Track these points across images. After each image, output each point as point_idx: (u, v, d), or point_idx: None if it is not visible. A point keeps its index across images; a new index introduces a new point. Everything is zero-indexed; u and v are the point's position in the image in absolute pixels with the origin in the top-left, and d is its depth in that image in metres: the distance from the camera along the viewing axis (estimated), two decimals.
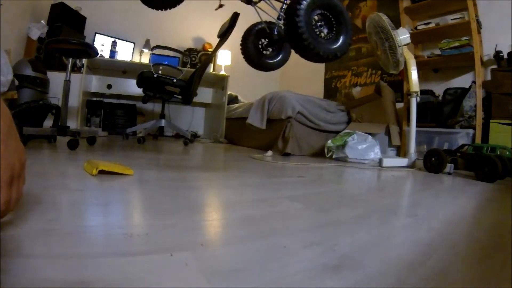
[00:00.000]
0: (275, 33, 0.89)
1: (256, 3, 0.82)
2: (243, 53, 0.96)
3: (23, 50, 2.73)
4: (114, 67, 3.36)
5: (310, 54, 0.67)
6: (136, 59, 3.62)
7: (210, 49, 3.90)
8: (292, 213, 0.67)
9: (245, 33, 0.89)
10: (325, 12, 0.70)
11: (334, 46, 0.69)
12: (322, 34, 0.70)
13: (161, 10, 0.84)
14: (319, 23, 0.70)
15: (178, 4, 0.67)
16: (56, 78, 2.64)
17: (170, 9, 0.77)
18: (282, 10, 0.80)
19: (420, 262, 0.43)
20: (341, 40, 0.70)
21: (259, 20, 0.82)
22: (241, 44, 0.95)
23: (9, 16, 2.34)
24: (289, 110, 2.33)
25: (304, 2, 0.64)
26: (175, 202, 0.69)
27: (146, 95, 2.54)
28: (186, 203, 0.70)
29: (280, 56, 0.97)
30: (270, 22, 0.89)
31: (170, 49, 2.64)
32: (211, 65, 3.83)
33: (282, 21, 0.78)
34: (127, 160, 1.42)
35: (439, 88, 2.50)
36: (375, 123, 2.58)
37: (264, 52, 0.95)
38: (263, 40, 0.95)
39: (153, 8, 0.79)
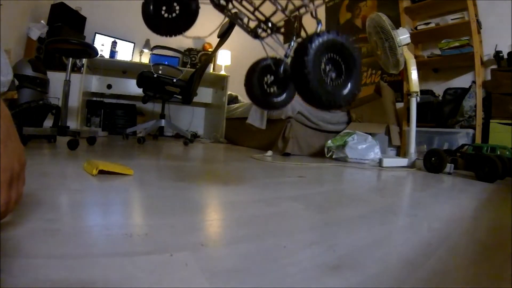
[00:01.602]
0: (281, 70, 0.83)
1: (263, 38, 0.78)
2: (247, 90, 0.92)
3: (23, 50, 2.73)
4: (114, 67, 3.36)
5: (311, 98, 0.62)
6: (136, 59, 3.62)
7: (210, 49, 3.90)
8: (292, 213, 0.67)
9: (250, 69, 0.85)
10: (337, 57, 0.66)
11: (339, 95, 0.64)
12: (328, 79, 0.65)
13: (168, 36, 0.80)
14: (327, 67, 0.66)
15: (185, 31, 0.64)
16: (56, 78, 2.64)
17: (176, 35, 0.73)
18: (290, 47, 0.76)
19: (420, 262, 0.43)
20: (348, 89, 0.65)
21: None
22: (245, 81, 0.91)
23: (9, 16, 2.34)
24: (289, 110, 2.33)
25: (317, 42, 0.60)
26: (175, 202, 0.69)
27: (146, 95, 2.54)
28: (186, 203, 0.70)
29: (285, 95, 0.93)
30: (276, 59, 0.84)
31: (170, 49, 2.64)
32: (211, 65, 3.83)
33: (289, 59, 0.73)
34: (127, 160, 1.42)
35: (439, 88, 2.50)
36: (375, 123, 2.58)
37: (269, 90, 0.90)
38: (268, 77, 0.90)
39: (160, 35, 0.75)
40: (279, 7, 0.71)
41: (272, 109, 0.94)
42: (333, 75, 0.65)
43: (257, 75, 0.87)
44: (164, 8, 0.72)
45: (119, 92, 3.42)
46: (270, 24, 0.75)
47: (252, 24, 0.79)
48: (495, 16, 2.24)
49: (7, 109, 0.34)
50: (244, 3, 0.72)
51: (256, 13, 0.73)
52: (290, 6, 0.74)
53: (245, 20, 0.71)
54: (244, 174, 1.22)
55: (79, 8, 3.18)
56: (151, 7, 0.87)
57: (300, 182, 1.09)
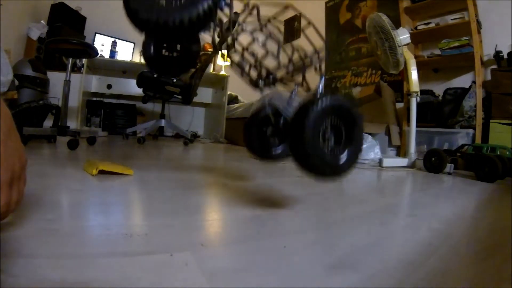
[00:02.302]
0: (281, 122, 0.78)
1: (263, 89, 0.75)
2: (246, 143, 0.89)
3: (23, 50, 2.73)
4: (114, 67, 3.36)
5: (304, 161, 0.57)
6: (136, 59, 3.61)
7: (210, 49, 3.89)
8: (292, 213, 0.67)
9: (249, 120, 0.81)
10: (339, 123, 0.58)
11: (334, 164, 0.58)
12: (326, 145, 0.59)
13: (170, 77, 0.78)
14: (327, 132, 0.59)
15: (183, 73, 0.60)
16: (56, 78, 2.64)
17: (176, 77, 0.69)
18: (291, 99, 0.71)
19: (420, 262, 0.43)
20: (344, 159, 0.57)
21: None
22: (244, 133, 0.87)
23: (9, 16, 2.34)
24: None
25: (320, 105, 0.53)
26: (175, 202, 0.69)
27: (146, 95, 2.54)
28: (186, 203, 0.70)
29: (285, 146, 0.89)
30: (275, 108, 0.79)
31: None
32: (211, 65, 3.83)
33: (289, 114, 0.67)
34: (127, 160, 1.42)
35: (439, 88, 2.50)
36: (375, 123, 2.58)
37: (268, 140, 0.86)
38: (267, 128, 0.85)
39: (160, 75, 0.72)
40: (281, 62, 0.68)
41: (273, 161, 0.90)
42: (332, 141, 0.59)
43: (256, 128, 0.83)
44: (165, 46, 0.71)
45: (119, 92, 3.42)
46: (271, 78, 0.72)
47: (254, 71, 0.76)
48: (495, 16, 2.24)
49: (8, 109, 0.34)
50: (246, 54, 0.69)
51: (258, 63, 0.70)
52: (295, 56, 0.72)
53: (247, 68, 0.68)
54: (244, 174, 1.22)
55: (79, 8, 3.18)
56: (152, 49, 0.86)
57: (300, 182, 1.09)
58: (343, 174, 0.59)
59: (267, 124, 0.81)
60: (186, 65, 0.65)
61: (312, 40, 0.71)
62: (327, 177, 0.60)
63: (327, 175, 0.58)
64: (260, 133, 0.83)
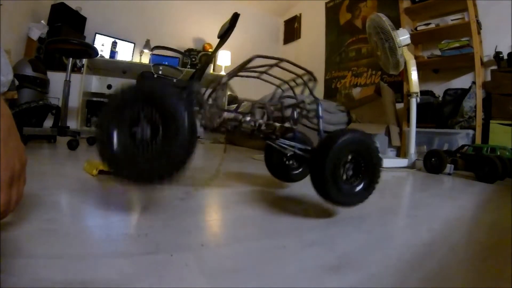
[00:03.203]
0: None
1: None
2: (267, 165, 0.92)
3: (23, 50, 2.73)
4: (114, 67, 3.36)
5: (322, 190, 0.60)
6: (136, 59, 3.61)
7: (210, 50, 3.90)
8: (292, 213, 0.67)
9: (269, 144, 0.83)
10: (359, 159, 0.60)
11: (349, 194, 0.59)
12: (344, 176, 0.62)
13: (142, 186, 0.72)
14: (347, 165, 0.60)
15: (160, 183, 0.53)
16: (56, 78, 2.64)
17: (149, 185, 0.59)
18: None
19: (420, 262, 0.43)
20: (358, 189, 0.60)
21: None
22: (265, 155, 0.90)
23: (9, 16, 2.34)
24: (289, 110, 2.33)
25: (346, 139, 0.55)
26: (175, 202, 0.69)
27: None
28: (186, 203, 0.70)
29: (302, 168, 0.92)
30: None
31: (170, 50, 2.64)
32: (211, 66, 3.83)
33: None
34: None
35: (439, 89, 2.50)
36: (375, 124, 2.58)
37: (288, 162, 0.89)
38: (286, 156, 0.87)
39: (136, 184, 0.65)
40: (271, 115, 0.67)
41: (292, 181, 0.93)
42: (350, 173, 0.61)
43: (276, 153, 0.85)
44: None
45: None
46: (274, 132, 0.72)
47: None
48: (495, 17, 2.24)
49: (8, 108, 0.34)
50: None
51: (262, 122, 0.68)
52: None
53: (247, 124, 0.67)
54: (244, 175, 1.22)
55: (79, 8, 3.18)
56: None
57: (300, 182, 1.09)
58: (353, 205, 0.62)
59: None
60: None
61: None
62: (343, 205, 0.61)
63: (343, 204, 0.60)
64: (279, 156, 0.85)
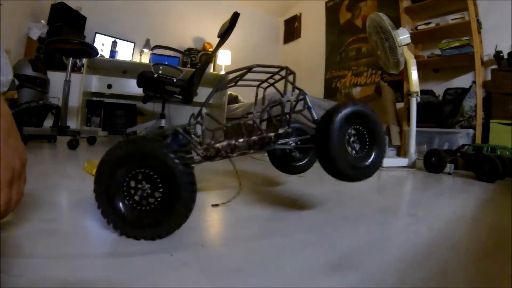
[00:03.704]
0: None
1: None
2: (270, 158, 0.91)
3: (23, 50, 2.73)
4: (114, 67, 3.36)
5: (332, 168, 0.59)
6: (136, 59, 3.61)
7: (210, 49, 3.89)
8: (292, 213, 0.67)
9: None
10: (361, 128, 0.60)
11: (362, 165, 0.59)
12: (353, 151, 0.61)
13: None
14: (352, 139, 0.59)
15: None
16: (56, 78, 2.64)
17: None
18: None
19: (420, 262, 0.43)
20: (367, 161, 0.59)
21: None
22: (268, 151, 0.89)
23: (9, 16, 2.34)
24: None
25: (344, 112, 0.56)
26: None
27: (146, 95, 2.54)
28: None
29: (307, 159, 0.91)
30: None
31: (170, 49, 2.64)
32: (211, 65, 3.83)
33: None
34: None
35: (439, 88, 2.50)
36: None
37: (291, 154, 0.88)
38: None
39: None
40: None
41: (295, 173, 0.93)
42: (357, 146, 0.61)
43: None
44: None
45: (119, 92, 3.42)
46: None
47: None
48: (495, 16, 2.24)
49: (8, 108, 0.34)
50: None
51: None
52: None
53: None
54: (244, 174, 1.22)
55: (79, 8, 3.18)
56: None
57: (300, 182, 1.09)
58: (367, 176, 0.61)
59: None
60: None
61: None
62: (354, 180, 0.60)
63: (355, 178, 0.59)
64: (282, 150, 0.85)
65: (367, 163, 0.60)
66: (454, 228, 0.65)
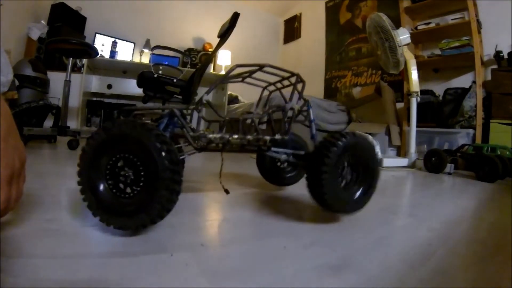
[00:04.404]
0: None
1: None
2: (260, 169, 0.90)
3: (23, 50, 2.73)
4: (114, 67, 3.36)
5: (320, 200, 0.58)
6: (136, 59, 3.61)
7: (210, 49, 3.89)
8: (292, 214, 0.67)
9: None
10: (356, 160, 0.59)
11: (348, 202, 0.57)
12: (344, 181, 0.57)
13: None
14: (345, 169, 0.58)
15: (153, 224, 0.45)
16: (56, 78, 2.64)
17: None
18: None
19: (420, 262, 0.43)
20: (357, 195, 0.58)
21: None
22: (257, 160, 0.88)
23: (9, 16, 2.34)
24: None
25: (341, 145, 0.53)
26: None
27: (146, 95, 2.54)
28: (186, 204, 0.70)
29: (295, 172, 0.90)
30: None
31: (170, 49, 2.64)
32: (211, 65, 3.83)
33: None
34: None
35: (439, 88, 2.50)
36: (375, 123, 2.58)
37: (281, 166, 0.88)
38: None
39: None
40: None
41: (282, 185, 0.91)
42: (349, 177, 0.59)
43: (268, 158, 0.83)
44: None
45: (119, 92, 3.42)
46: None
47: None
48: (495, 16, 2.24)
49: (8, 107, 0.34)
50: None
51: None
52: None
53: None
54: (244, 174, 1.22)
55: (79, 8, 3.18)
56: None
57: (300, 182, 1.09)
58: (352, 211, 0.59)
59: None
60: None
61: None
62: (342, 213, 0.59)
63: (342, 211, 0.58)
64: (272, 161, 0.84)
65: (357, 197, 0.59)
66: (454, 228, 0.65)
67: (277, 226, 0.57)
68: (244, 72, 0.64)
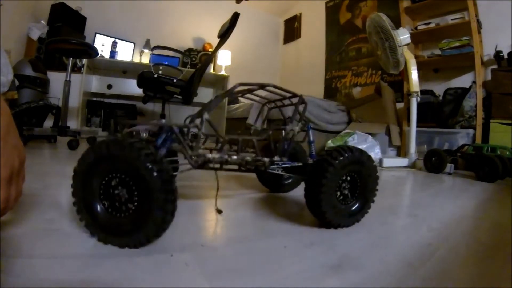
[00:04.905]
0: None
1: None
2: (257, 175, 0.90)
3: (23, 50, 2.73)
4: (114, 67, 3.36)
5: (320, 216, 0.58)
6: (136, 59, 3.61)
7: (210, 49, 3.90)
8: (292, 213, 0.67)
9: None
10: (354, 175, 0.59)
11: (345, 215, 0.58)
12: (341, 196, 0.58)
13: None
14: (343, 184, 0.58)
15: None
16: (56, 78, 2.64)
17: None
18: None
19: (420, 262, 0.43)
20: (354, 209, 0.59)
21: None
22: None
23: (9, 16, 2.34)
24: (289, 110, 2.33)
25: (340, 160, 0.54)
26: None
27: (146, 95, 2.54)
28: (186, 204, 0.70)
29: (292, 179, 0.90)
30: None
31: (170, 49, 2.64)
32: (211, 65, 3.83)
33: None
34: None
35: (439, 88, 2.50)
36: (375, 123, 2.58)
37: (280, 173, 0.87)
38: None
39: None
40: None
41: (279, 192, 0.91)
42: (346, 192, 0.59)
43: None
44: None
45: (119, 92, 3.42)
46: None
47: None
48: (495, 16, 2.24)
49: (7, 106, 0.34)
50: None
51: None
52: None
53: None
54: (244, 175, 1.22)
55: (79, 8, 3.18)
56: None
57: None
58: (353, 223, 0.60)
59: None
60: None
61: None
62: (338, 227, 0.59)
63: (339, 225, 0.58)
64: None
65: (354, 211, 0.59)
66: (454, 228, 0.65)
67: (277, 226, 0.57)
68: (244, 90, 0.64)
